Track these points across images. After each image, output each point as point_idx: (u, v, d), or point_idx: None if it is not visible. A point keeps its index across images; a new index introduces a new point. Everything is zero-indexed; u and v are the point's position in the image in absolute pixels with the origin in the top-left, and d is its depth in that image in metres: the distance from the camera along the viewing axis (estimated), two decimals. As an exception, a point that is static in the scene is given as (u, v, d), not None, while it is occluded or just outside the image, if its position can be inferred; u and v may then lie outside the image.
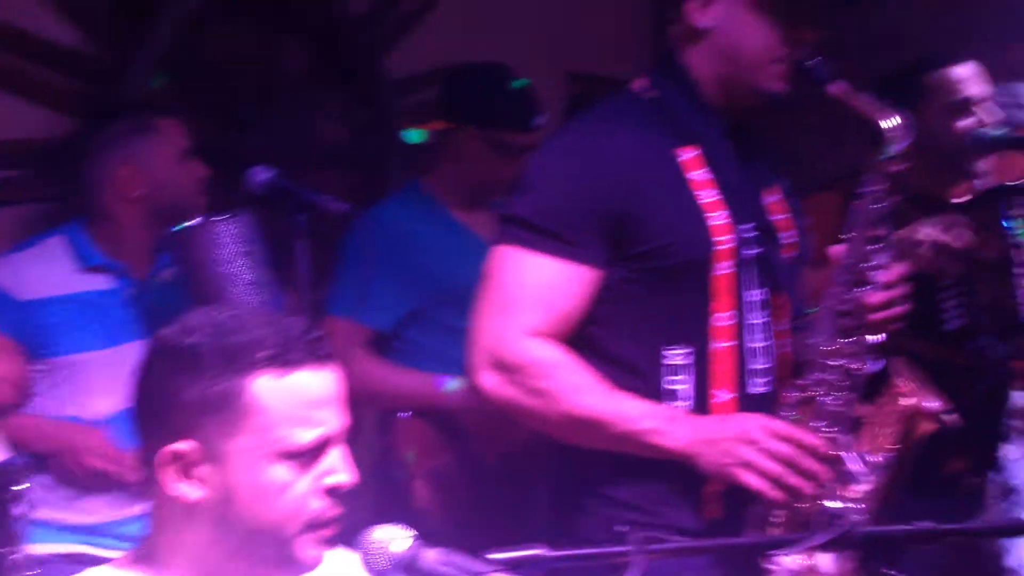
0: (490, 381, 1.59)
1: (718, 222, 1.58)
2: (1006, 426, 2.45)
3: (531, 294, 1.56)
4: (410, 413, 2.31)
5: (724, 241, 1.58)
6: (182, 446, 1.11)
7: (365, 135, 3.38)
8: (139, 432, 1.16)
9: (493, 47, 2.94)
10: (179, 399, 1.11)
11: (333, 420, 1.14)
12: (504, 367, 1.58)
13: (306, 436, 1.12)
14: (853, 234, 1.57)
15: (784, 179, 1.75)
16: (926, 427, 1.57)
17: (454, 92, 2.43)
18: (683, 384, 1.58)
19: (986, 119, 2.26)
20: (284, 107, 3.22)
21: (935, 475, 2.25)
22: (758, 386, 1.60)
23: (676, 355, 1.58)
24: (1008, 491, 2.84)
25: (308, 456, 1.12)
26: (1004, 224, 2.12)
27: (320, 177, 3.28)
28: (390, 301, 2.32)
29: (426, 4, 3.44)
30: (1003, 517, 2.45)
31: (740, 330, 1.59)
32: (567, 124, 1.68)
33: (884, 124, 1.56)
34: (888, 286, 1.56)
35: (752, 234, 1.61)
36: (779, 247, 1.65)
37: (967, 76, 2.29)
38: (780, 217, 1.68)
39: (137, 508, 1.95)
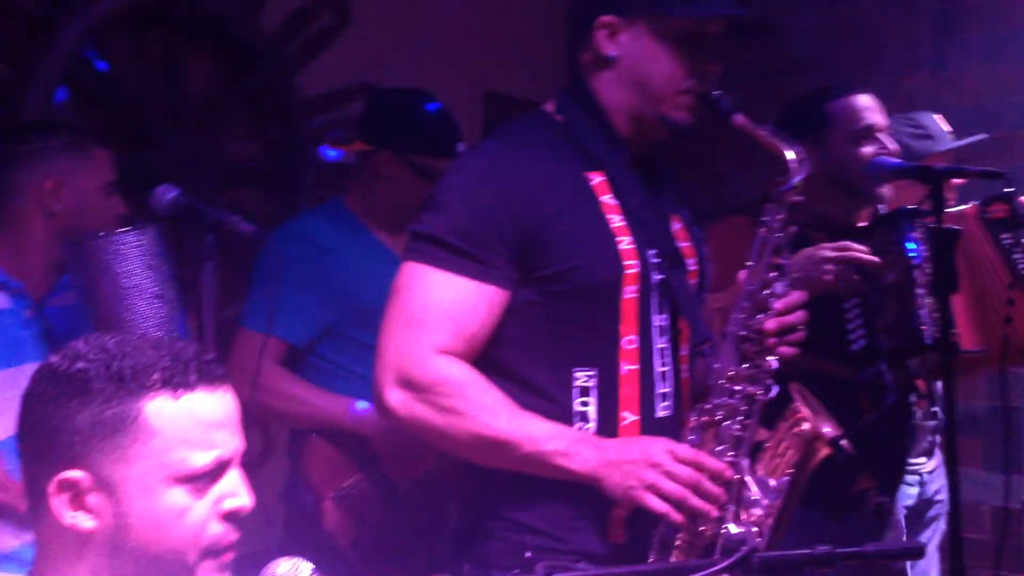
0: (397, 399, 1.56)
1: (626, 247, 1.61)
2: (912, 444, 2.51)
3: (439, 312, 1.54)
4: (319, 433, 2.27)
5: (631, 265, 1.59)
6: (73, 474, 1.08)
7: (277, 153, 3.35)
8: (26, 461, 1.12)
9: (408, 66, 2.94)
10: (69, 425, 1.08)
11: (229, 442, 1.12)
12: (411, 385, 1.55)
13: (202, 459, 1.09)
14: (754, 262, 1.60)
15: (686, 207, 1.77)
16: (823, 452, 1.59)
17: (374, 115, 2.40)
18: (591, 406, 1.58)
19: (887, 147, 2.33)
20: (193, 124, 3.16)
21: (843, 494, 2.30)
22: (661, 409, 1.62)
23: (585, 377, 1.58)
24: (925, 506, 2.92)
25: (205, 480, 1.10)
26: (905, 246, 2.18)
27: (231, 195, 3.24)
28: (305, 315, 2.28)
29: (340, 22, 3.42)
30: (902, 539, 2.51)
31: (645, 354, 1.61)
32: (479, 143, 1.67)
33: (784, 155, 1.59)
34: (785, 312, 1.58)
35: (657, 260, 1.62)
36: (683, 273, 1.67)
37: (868, 105, 2.35)
38: (684, 244, 1.70)
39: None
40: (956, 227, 2.05)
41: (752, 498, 1.53)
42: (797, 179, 1.57)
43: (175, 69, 3.16)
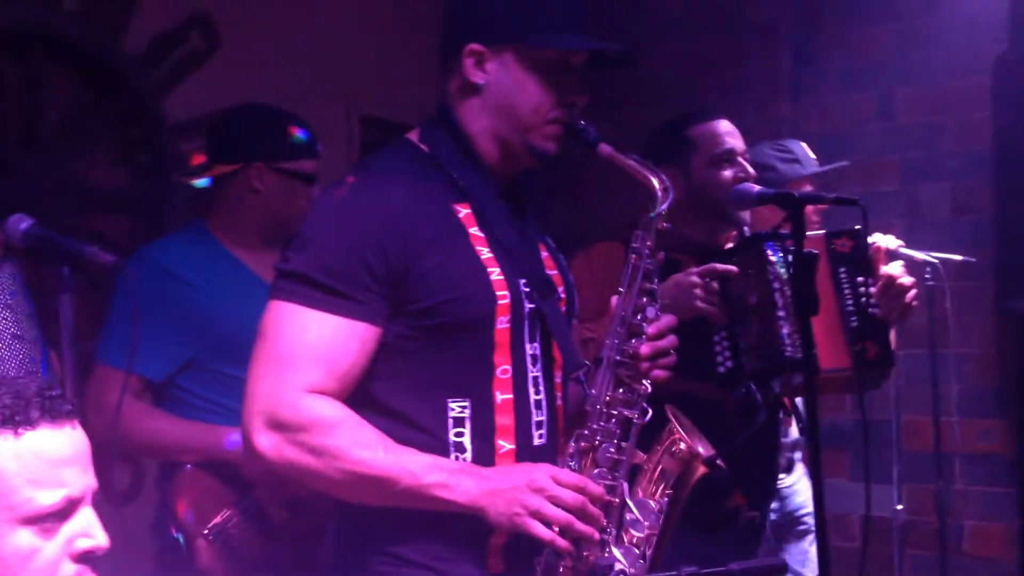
0: (266, 442, 1.52)
1: (496, 278, 1.59)
2: (779, 460, 2.59)
3: (308, 351, 1.52)
4: (191, 465, 2.20)
5: (503, 296, 1.58)
6: None
7: (144, 179, 3.25)
8: None
9: (282, 90, 2.89)
10: None
11: (78, 480, 1.09)
12: (281, 426, 1.52)
13: (49, 498, 1.06)
14: (625, 289, 1.62)
15: (548, 235, 1.79)
16: (700, 472, 1.63)
17: (233, 133, 2.36)
18: (466, 436, 1.58)
19: (747, 171, 2.40)
20: (52, 150, 3.04)
21: (716, 511, 2.35)
22: (537, 438, 1.62)
23: (459, 408, 1.58)
24: (789, 520, 3.00)
25: (53, 519, 1.06)
26: (766, 269, 2.24)
27: (95, 223, 3.13)
28: (163, 349, 2.20)
29: (209, 46, 3.35)
30: (773, 553, 2.57)
31: (519, 383, 1.60)
32: (343, 177, 1.65)
33: (651, 183, 1.63)
34: (657, 337, 1.61)
35: (528, 289, 1.63)
36: (554, 301, 1.68)
37: (728, 130, 2.43)
38: (551, 272, 1.72)
39: None
40: (815, 251, 2.12)
41: (632, 520, 1.55)
42: (663, 206, 1.61)
43: (33, 94, 3.04)
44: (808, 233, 2.37)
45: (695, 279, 2.21)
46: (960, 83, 3.78)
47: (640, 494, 1.59)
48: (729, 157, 2.39)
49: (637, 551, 1.55)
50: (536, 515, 1.48)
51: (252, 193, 2.31)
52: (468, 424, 1.57)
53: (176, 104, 3.29)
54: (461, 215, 1.62)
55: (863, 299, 2.32)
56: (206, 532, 2.15)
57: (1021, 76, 3.45)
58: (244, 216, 2.33)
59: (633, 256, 1.62)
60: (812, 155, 3.10)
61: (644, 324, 1.60)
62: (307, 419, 1.51)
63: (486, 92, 1.62)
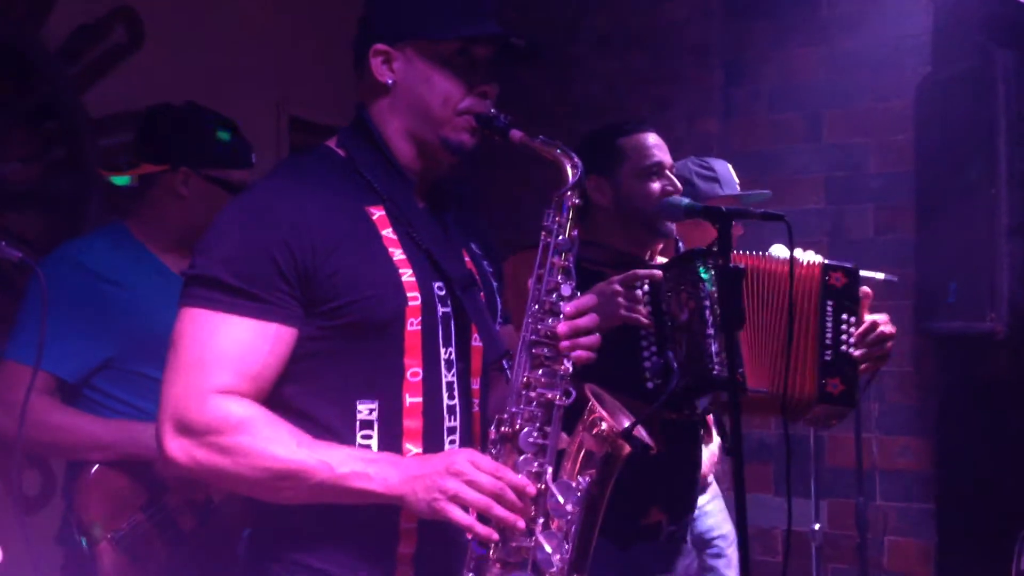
0: (176, 446, 1.49)
1: (408, 279, 1.57)
2: (698, 476, 2.58)
3: (217, 354, 1.49)
4: (99, 466, 2.11)
5: (414, 298, 1.57)
6: None
7: (60, 176, 3.14)
8: None
9: (209, 88, 2.82)
10: None
11: None
12: (190, 430, 1.49)
13: None
14: (540, 268, 1.59)
15: (477, 240, 1.77)
16: (625, 450, 1.58)
17: (163, 132, 2.29)
18: (373, 439, 1.56)
19: (674, 184, 2.40)
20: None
21: (635, 525, 2.34)
22: (449, 444, 1.60)
23: (367, 409, 1.55)
24: (700, 543, 3.00)
25: None
26: (698, 286, 2.23)
27: (7, 219, 3.01)
28: (77, 348, 2.13)
29: (132, 40, 3.26)
30: (693, 566, 2.57)
31: (430, 387, 1.58)
32: (253, 182, 1.63)
33: (560, 160, 1.62)
34: (576, 316, 1.57)
35: (442, 293, 1.61)
36: (475, 293, 1.66)
37: (656, 143, 2.43)
38: (476, 275, 1.70)
39: None
40: (741, 265, 2.12)
41: (555, 505, 1.52)
42: (572, 181, 1.59)
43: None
44: (807, 260, 2.37)
45: (617, 287, 2.20)
46: (884, 105, 3.86)
47: (565, 477, 1.55)
48: (657, 170, 2.39)
49: (562, 537, 1.52)
50: (455, 499, 1.46)
51: (176, 198, 2.26)
52: (376, 427, 1.55)
53: (99, 99, 3.20)
54: (375, 217, 1.60)
55: (843, 336, 2.32)
56: (110, 536, 2.07)
57: (944, 98, 3.53)
58: (165, 219, 2.27)
59: (544, 234, 1.60)
60: (735, 178, 3.12)
61: (561, 303, 1.57)
62: (215, 420, 1.48)
63: (395, 91, 1.62)
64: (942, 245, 3.54)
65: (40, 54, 3.04)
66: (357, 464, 1.48)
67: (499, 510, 1.46)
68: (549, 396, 1.54)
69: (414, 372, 1.57)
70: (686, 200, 2.33)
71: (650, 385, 2.25)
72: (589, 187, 2.39)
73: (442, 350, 1.59)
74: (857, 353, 2.31)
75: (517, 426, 1.53)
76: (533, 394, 1.54)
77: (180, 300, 1.55)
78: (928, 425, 3.77)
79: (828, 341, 2.30)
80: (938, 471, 3.74)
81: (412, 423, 1.56)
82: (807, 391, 2.28)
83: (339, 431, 1.54)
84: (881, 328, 2.33)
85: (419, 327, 1.56)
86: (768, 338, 2.30)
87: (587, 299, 1.60)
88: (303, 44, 3.84)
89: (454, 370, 1.61)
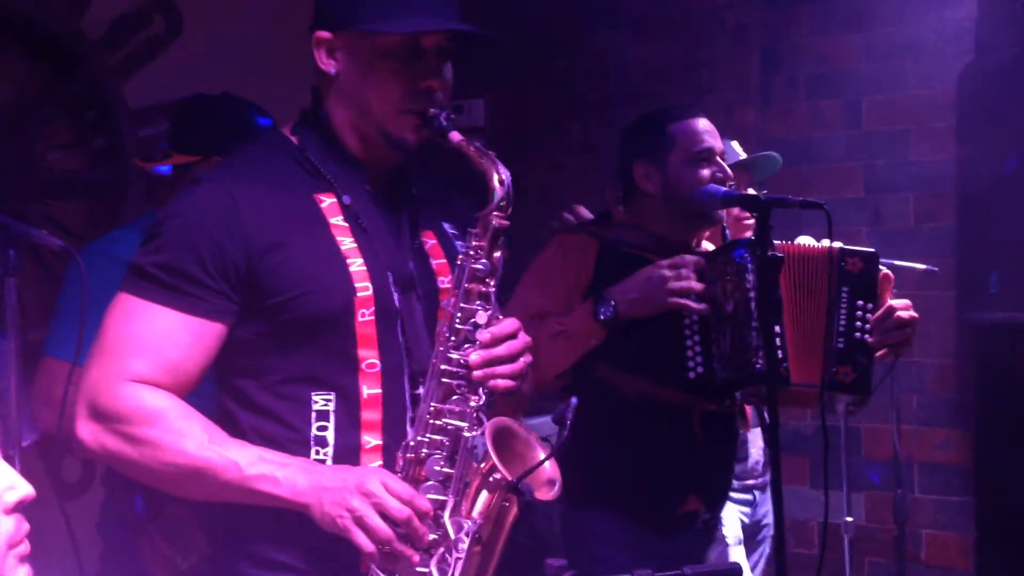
0: (87, 430, 1.49)
1: (357, 269, 1.53)
2: (734, 464, 2.57)
3: (136, 341, 1.49)
4: None
5: (363, 288, 1.53)
6: None
7: (101, 164, 3.17)
8: None
9: (246, 80, 2.83)
10: None
11: None
12: (101, 415, 1.48)
13: None
14: (456, 291, 1.53)
15: (447, 221, 1.70)
16: (514, 509, 1.51)
17: (195, 123, 2.30)
18: (329, 430, 1.52)
19: (724, 171, 2.37)
20: (6, 132, 2.96)
21: (673, 514, 2.33)
22: (407, 433, 1.54)
23: (323, 400, 1.53)
24: (753, 528, 2.99)
25: None
26: (744, 276, 2.20)
27: (51, 207, 3.05)
28: None
29: (170, 31, 3.28)
30: (727, 556, 2.56)
31: (389, 377, 1.54)
32: (203, 172, 1.60)
33: (489, 175, 1.53)
34: (492, 344, 1.51)
35: (392, 282, 1.56)
36: (411, 299, 1.59)
37: (707, 128, 2.39)
38: (438, 261, 1.65)
39: None
40: (780, 254, 2.09)
41: (453, 540, 1.46)
42: (499, 198, 1.52)
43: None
44: (822, 244, 2.34)
45: (665, 272, 2.18)
46: (926, 92, 3.80)
47: (464, 511, 1.49)
48: (707, 156, 2.35)
49: (452, 571, 1.46)
50: (359, 522, 1.43)
51: None
52: (332, 418, 1.53)
53: (138, 89, 3.22)
54: (324, 205, 1.56)
55: (857, 323, 2.28)
56: (152, 527, 2.09)
57: (986, 87, 3.47)
58: None
59: (461, 257, 1.55)
60: (740, 149, 3.06)
61: (477, 330, 1.51)
62: (127, 408, 1.47)
63: (338, 82, 1.57)
64: (984, 235, 3.49)
65: (80, 44, 3.07)
66: (267, 467, 1.46)
67: (399, 545, 1.43)
68: (458, 427, 1.50)
69: (370, 363, 1.53)
70: (723, 189, 2.31)
71: (692, 375, 2.24)
72: (637, 174, 2.37)
73: (402, 339, 1.56)
74: (872, 340, 2.28)
75: (423, 453, 1.50)
76: (439, 423, 1.50)
77: (121, 284, 1.54)
78: (968, 417, 3.72)
79: (842, 328, 2.27)
80: (978, 464, 3.69)
81: (371, 415, 1.53)
82: (813, 379, 2.25)
83: (293, 423, 1.52)
84: (899, 313, 2.30)
85: (372, 317, 1.53)
86: (809, 329, 2.28)
87: (507, 325, 1.53)
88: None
89: (409, 359, 1.56)
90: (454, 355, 1.51)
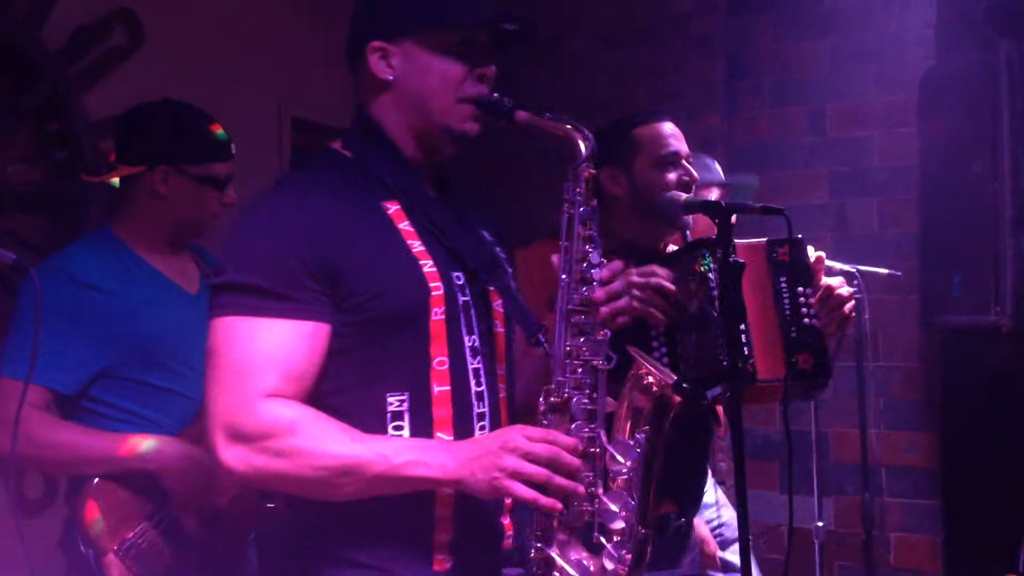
0: (232, 455, 1.50)
1: (429, 270, 1.59)
2: (708, 468, 2.57)
3: (261, 358, 1.51)
4: (103, 477, 2.10)
5: (436, 288, 1.58)
6: None
7: (61, 176, 3.14)
8: None
9: (211, 90, 2.80)
10: None
11: None
12: (244, 437, 1.50)
13: None
14: (566, 239, 1.61)
15: (493, 226, 1.79)
16: (676, 400, 1.60)
17: (137, 133, 2.26)
18: (405, 430, 1.56)
19: (690, 174, 2.37)
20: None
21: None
22: (479, 430, 1.60)
23: (397, 401, 1.57)
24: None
25: None
26: (709, 276, 2.22)
27: (11, 221, 3.01)
28: (72, 361, 2.10)
29: (133, 41, 3.25)
30: (698, 560, 2.56)
31: (457, 374, 1.59)
32: (270, 188, 1.64)
33: (571, 135, 1.63)
34: (609, 281, 1.61)
35: (460, 282, 1.62)
36: (501, 275, 1.68)
37: (673, 132, 2.40)
38: (492, 263, 1.71)
39: None
40: (741, 260, 2.11)
41: (615, 465, 1.54)
42: (587, 153, 1.61)
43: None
44: (750, 240, 2.36)
45: (634, 279, 2.18)
46: (888, 98, 3.84)
47: (619, 438, 1.58)
48: (673, 159, 2.36)
49: (626, 495, 1.54)
50: (515, 476, 1.47)
51: (157, 197, 2.21)
52: (406, 418, 1.56)
53: (99, 101, 3.19)
54: (390, 211, 1.62)
55: (802, 309, 2.31)
56: (116, 547, 2.06)
57: (948, 91, 3.51)
58: (149, 221, 2.23)
59: (566, 205, 1.62)
60: (719, 169, 3.09)
61: (592, 270, 1.60)
62: (267, 424, 1.50)
63: (396, 87, 1.63)
64: (946, 239, 3.53)
65: (40, 54, 3.03)
66: (412, 453, 1.50)
67: (559, 480, 1.48)
68: (593, 362, 1.57)
69: (440, 361, 1.58)
70: (684, 195, 2.32)
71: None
72: (604, 178, 2.37)
73: (466, 338, 1.61)
74: (819, 322, 2.31)
75: (566, 394, 1.56)
76: (577, 361, 1.57)
77: (210, 312, 1.55)
78: (933, 420, 3.76)
79: (788, 316, 2.30)
80: (944, 466, 3.72)
81: (442, 411, 1.57)
82: (779, 372, 2.27)
83: (370, 425, 1.55)
84: (838, 291, 2.34)
85: (443, 316, 1.58)
86: (766, 324, 2.29)
87: (616, 263, 1.64)
88: (304, 45, 3.83)
89: (479, 357, 1.63)
90: (576, 295, 1.59)
